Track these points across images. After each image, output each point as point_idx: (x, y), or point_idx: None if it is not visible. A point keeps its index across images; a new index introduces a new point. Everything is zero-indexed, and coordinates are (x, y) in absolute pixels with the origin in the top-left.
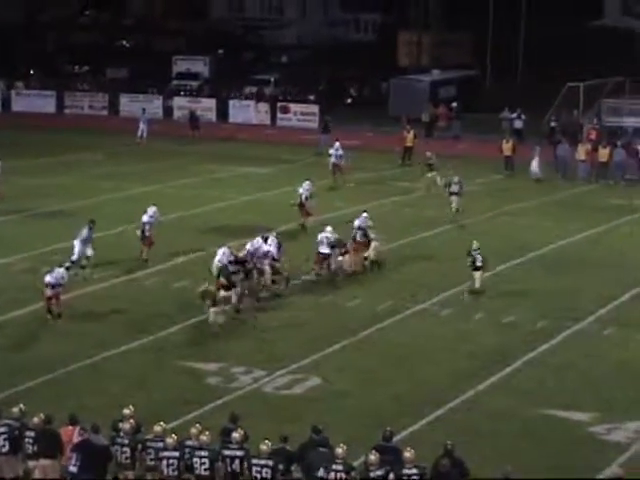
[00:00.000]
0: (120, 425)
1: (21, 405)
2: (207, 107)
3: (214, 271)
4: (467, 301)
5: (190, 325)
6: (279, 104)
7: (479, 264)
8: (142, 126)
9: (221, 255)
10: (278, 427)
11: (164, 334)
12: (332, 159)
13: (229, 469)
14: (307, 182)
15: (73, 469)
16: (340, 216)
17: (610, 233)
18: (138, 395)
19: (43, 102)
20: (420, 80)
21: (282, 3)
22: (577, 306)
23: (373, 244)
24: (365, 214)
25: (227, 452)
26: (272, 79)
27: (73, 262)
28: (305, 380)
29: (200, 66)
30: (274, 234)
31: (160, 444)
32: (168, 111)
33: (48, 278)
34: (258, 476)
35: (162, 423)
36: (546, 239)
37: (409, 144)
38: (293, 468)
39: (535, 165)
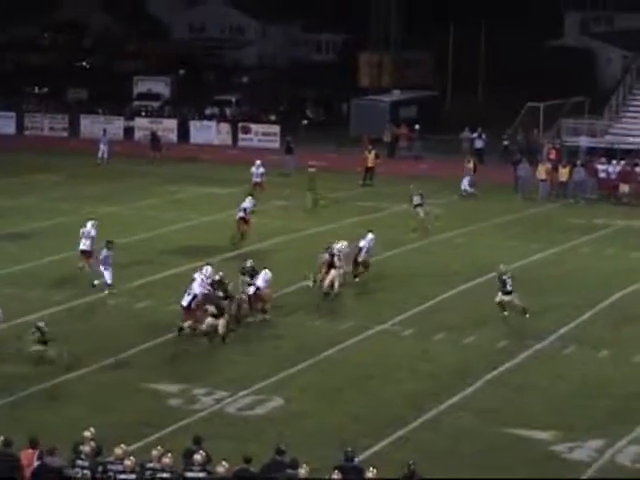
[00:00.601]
0: (81, 447)
1: None
2: (168, 128)
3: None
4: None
5: (152, 346)
6: (240, 124)
7: (509, 288)
8: (103, 147)
9: (200, 280)
10: (240, 448)
11: (125, 356)
12: (253, 178)
13: None
14: (250, 198)
15: None
16: (303, 237)
17: (570, 252)
18: (99, 417)
19: (3, 123)
20: (381, 100)
21: (243, 24)
22: (538, 325)
23: (332, 272)
24: (371, 235)
25: (189, 474)
26: (233, 99)
27: (109, 285)
28: (268, 401)
29: (161, 87)
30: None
31: (120, 467)
32: (129, 132)
33: None
34: None
35: (123, 445)
36: (507, 259)
37: (370, 164)
38: None
39: (466, 182)
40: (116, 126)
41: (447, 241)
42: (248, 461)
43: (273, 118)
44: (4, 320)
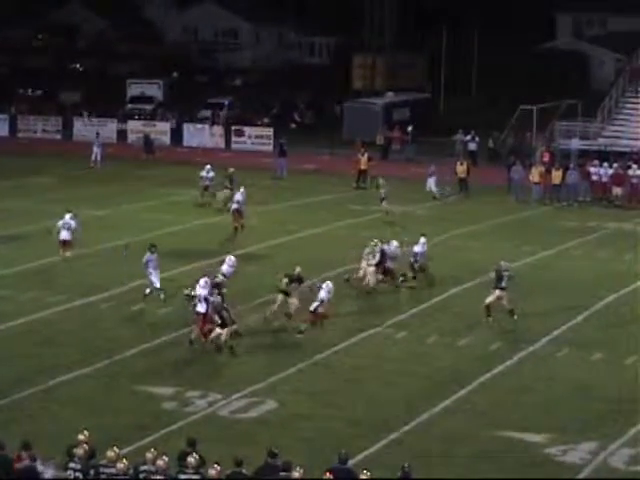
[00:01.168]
0: (74, 450)
1: None
2: (161, 130)
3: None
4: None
5: (146, 349)
6: (233, 127)
7: (504, 285)
8: (96, 150)
9: (204, 285)
10: (233, 451)
11: (119, 358)
12: (203, 182)
13: None
14: (242, 189)
15: None
16: (294, 240)
17: (563, 255)
18: (92, 420)
19: None
20: (374, 103)
21: (236, 26)
22: (531, 328)
23: (370, 269)
24: (423, 239)
25: (183, 477)
26: (226, 102)
27: (159, 289)
28: (261, 403)
29: (154, 90)
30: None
31: (113, 469)
32: (122, 135)
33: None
34: None
35: (115, 448)
36: (500, 261)
37: (363, 167)
38: None
39: (432, 182)
40: (109, 129)
41: (440, 243)
42: (239, 464)
43: (266, 121)
44: None
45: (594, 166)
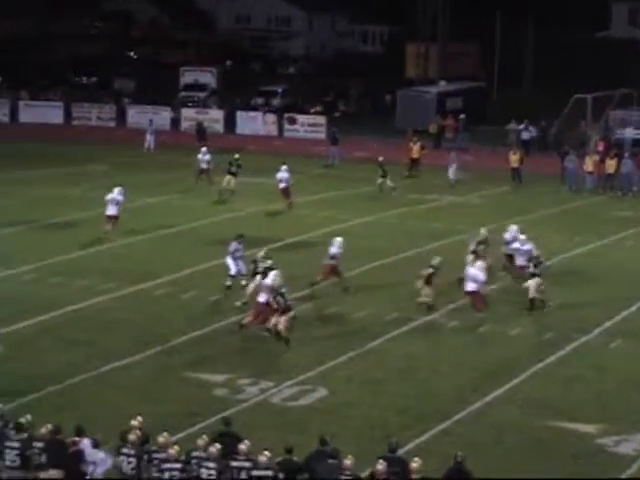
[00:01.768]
0: (128, 436)
1: (28, 416)
2: (214, 118)
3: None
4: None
5: (198, 336)
6: (286, 115)
7: (537, 271)
8: (149, 137)
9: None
10: (285, 438)
11: (171, 345)
12: (200, 164)
13: None
14: (284, 166)
15: None
16: (346, 228)
17: (617, 245)
18: (145, 406)
19: (51, 113)
20: (427, 91)
21: (289, 14)
22: (584, 318)
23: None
24: (514, 227)
25: (235, 463)
26: (279, 90)
27: (233, 276)
28: (312, 391)
29: (208, 77)
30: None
31: (164, 455)
32: (175, 122)
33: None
34: None
35: (166, 434)
36: (553, 251)
37: (415, 156)
38: (299, 478)
39: (451, 171)
40: (163, 116)
41: (492, 233)
42: (290, 451)
43: (319, 109)
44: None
45: None
